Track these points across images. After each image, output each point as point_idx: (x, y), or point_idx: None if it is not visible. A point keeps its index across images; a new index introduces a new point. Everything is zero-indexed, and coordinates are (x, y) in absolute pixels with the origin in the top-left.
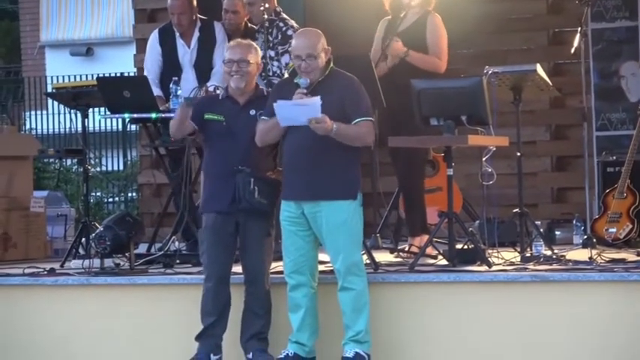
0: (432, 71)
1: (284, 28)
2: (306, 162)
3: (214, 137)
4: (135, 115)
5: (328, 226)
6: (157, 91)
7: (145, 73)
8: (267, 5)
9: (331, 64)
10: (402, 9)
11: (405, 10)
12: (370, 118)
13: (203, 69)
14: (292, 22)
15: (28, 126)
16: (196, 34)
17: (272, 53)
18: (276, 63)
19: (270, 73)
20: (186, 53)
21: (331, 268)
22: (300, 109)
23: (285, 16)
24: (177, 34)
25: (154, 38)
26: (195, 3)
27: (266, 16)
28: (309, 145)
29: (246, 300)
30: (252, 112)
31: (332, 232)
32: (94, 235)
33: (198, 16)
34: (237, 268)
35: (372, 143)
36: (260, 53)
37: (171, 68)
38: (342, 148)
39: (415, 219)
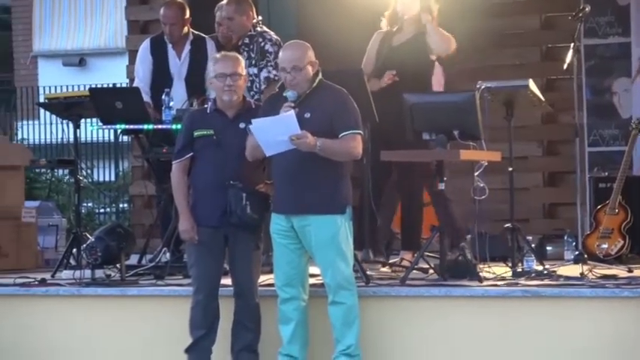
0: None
1: (262, 44)
2: (294, 176)
3: (204, 151)
4: (128, 127)
5: (317, 240)
6: (145, 97)
7: (136, 81)
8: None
9: (319, 77)
10: (396, 22)
11: (399, 23)
12: (358, 131)
13: (193, 82)
14: (271, 35)
15: (20, 136)
16: (188, 46)
17: (255, 70)
18: (257, 79)
19: (255, 90)
20: (177, 65)
21: (322, 282)
22: (277, 125)
23: (264, 29)
24: (170, 45)
25: (145, 47)
26: (187, 15)
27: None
28: (296, 159)
29: (235, 312)
30: (242, 125)
31: (321, 246)
32: (85, 245)
33: (192, 30)
34: (226, 280)
35: (359, 156)
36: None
37: (161, 78)
38: (329, 162)
39: (412, 234)
